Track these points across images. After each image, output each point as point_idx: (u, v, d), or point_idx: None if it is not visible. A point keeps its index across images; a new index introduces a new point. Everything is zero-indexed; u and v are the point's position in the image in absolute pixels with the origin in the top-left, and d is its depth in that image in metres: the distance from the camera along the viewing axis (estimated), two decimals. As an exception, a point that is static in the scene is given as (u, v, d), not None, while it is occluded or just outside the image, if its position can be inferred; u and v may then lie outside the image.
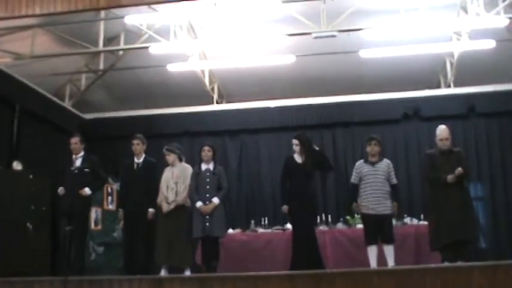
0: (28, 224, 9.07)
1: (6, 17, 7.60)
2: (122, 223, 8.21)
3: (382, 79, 11.35)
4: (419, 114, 11.48)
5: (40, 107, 10.69)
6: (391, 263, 7.40)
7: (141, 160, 8.16)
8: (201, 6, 9.63)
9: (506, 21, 9.21)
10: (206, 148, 8.04)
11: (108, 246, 10.59)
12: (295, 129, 10.17)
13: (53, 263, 9.52)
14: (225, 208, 8.24)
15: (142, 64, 11.12)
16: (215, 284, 5.58)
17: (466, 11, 9.81)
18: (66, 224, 7.38)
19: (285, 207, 7.68)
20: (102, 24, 10.16)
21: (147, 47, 9.87)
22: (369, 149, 7.79)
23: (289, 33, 9.52)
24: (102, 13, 10.06)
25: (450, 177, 7.17)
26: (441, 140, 7.52)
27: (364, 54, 10.37)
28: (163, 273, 7.54)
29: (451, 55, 11.20)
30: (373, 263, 7.47)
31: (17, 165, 9.44)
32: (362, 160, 7.91)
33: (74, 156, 7.89)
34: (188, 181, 7.85)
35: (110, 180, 10.70)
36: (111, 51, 10.87)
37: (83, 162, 7.87)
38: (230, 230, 9.37)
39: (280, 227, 9.82)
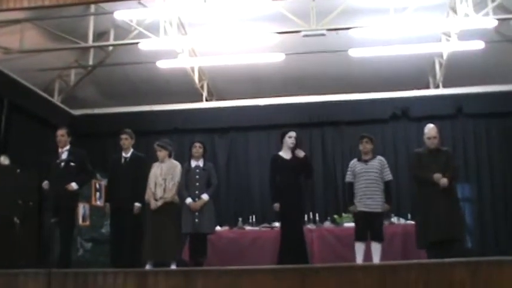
0: (15, 219, 9.02)
1: (-6, 10, 7.58)
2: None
3: (372, 78, 11.38)
4: (408, 114, 11.53)
5: (29, 102, 10.65)
6: (377, 261, 7.43)
7: (128, 155, 8.13)
8: (190, 2, 9.67)
9: (495, 23, 9.28)
10: (198, 145, 8.10)
11: (96, 242, 10.55)
12: (284, 128, 10.16)
13: (39, 258, 9.48)
14: (215, 204, 8.26)
15: (131, 60, 11.13)
16: (199, 277, 5.58)
17: (455, 12, 9.88)
18: (51, 216, 7.32)
19: (276, 205, 7.67)
20: (91, 20, 10.14)
21: (136, 43, 9.87)
22: (361, 147, 7.86)
23: (279, 31, 9.54)
24: (92, 8, 10.07)
25: (442, 182, 7.18)
26: (429, 138, 7.55)
27: (354, 53, 10.39)
28: (148, 267, 7.51)
29: (440, 55, 11.25)
30: (359, 259, 7.52)
31: (4, 160, 9.39)
32: (356, 159, 7.97)
33: (60, 150, 7.80)
34: (177, 178, 7.83)
35: (98, 176, 10.69)
36: (101, 47, 10.86)
37: (69, 155, 7.76)
38: (218, 227, 9.37)
39: (268, 225, 9.84)
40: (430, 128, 7.61)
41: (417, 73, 11.64)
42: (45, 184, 7.68)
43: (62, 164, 7.70)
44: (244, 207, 11.52)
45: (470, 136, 11.35)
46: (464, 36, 10.11)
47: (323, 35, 9.29)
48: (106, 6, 9.64)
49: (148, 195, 7.77)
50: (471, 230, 10.82)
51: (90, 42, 10.18)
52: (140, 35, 10.09)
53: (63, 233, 7.54)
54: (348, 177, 7.89)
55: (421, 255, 7.67)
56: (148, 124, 11.68)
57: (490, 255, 9.56)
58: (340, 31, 9.50)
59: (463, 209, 10.14)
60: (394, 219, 9.70)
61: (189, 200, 7.82)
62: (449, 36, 10.54)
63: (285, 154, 7.86)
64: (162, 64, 10.77)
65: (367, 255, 7.55)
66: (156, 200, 7.68)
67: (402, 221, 9.71)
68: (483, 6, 9.48)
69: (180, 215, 7.90)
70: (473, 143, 11.30)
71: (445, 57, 11.01)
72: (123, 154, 8.15)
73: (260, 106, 11.83)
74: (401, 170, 11.05)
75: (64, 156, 7.75)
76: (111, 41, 10.57)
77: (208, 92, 12.59)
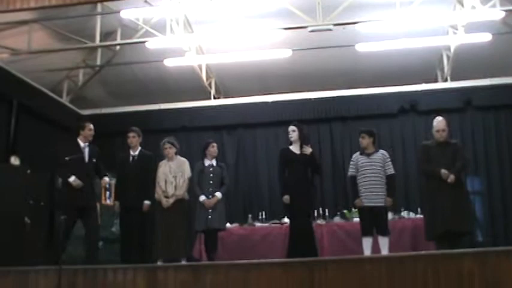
0: (26, 219, 9.06)
1: (0, 10, 7.60)
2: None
3: (379, 73, 11.36)
4: (416, 108, 11.49)
5: (37, 103, 10.71)
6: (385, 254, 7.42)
7: (136, 153, 8.17)
8: (196, 0, 9.67)
9: (502, 14, 9.22)
10: (215, 145, 8.29)
11: (106, 241, 10.57)
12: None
13: (50, 258, 9.52)
14: (225, 202, 8.35)
15: (139, 59, 11.16)
16: (208, 272, 5.61)
17: (462, 4, 9.82)
18: (68, 214, 7.06)
19: (286, 198, 7.67)
20: (98, 19, 10.15)
21: (143, 42, 9.88)
22: (360, 141, 7.86)
23: (285, 27, 9.53)
24: (99, 8, 10.07)
25: (450, 179, 7.18)
26: (438, 131, 7.55)
27: (361, 48, 10.36)
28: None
29: (448, 48, 11.19)
30: (367, 253, 7.50)
31: (14, 160, 9.44)
32: (358, 152, 7.95)
33: (82, 144, 7.71)
34: (186, 175, 7.90)
35: (108, 175, 10.71)
36: (108, 47, 10.89)
37: (90, 151, 7.74)
38: (228, 224, 9.40)
39: (278, 221, 9.85)
40: (438, 121, 7.61)
41: (425, 67, 11.58)
42: (74, 180, 7.43)
43: (87, 160, 7.67)
44: (253, 203, 11.54)
45: (479, 129, 11.29)
46: (471, 28, 10.06)
47: (330, 30, 9.24)
48: (112, 5, 9.64)
49: (158, 194, 7.81)
50: (481, 224, 10.78)
51: (98, 42, 10.17)
52: (147, 34, 10.09)
53: (92, 233, 7.56)
54: (351, 171, 7.85)
55: (430, 249, 7.62)
56: (156, 123, 11.70)
57: (501, 248, 9.57)
58: (346, 26, 9.45)
59: (472, 202, 10.15)
60: (404, 214, 9.70)
61: (202, 198, 7.94)
62: (456, 29, 10.48)
63: (295, 148, 7.87)
64: (170, 62, 10.79)
65: (375, 249, 7.53)
66: (167, 197, 7.71)
67: (412, 215, 9.71)
68: (490, -2, 9.44)
69: (189, 212, 7.94)
70: (482, 136, 11.24)
71: (452, 50, 10.95)
72: (131, 152, 8.19)
73: (268, 103, 11.83)
74: (409, 164, 11.06)
75: (86, 152, 7.70)
76: (118, 41, 10.56)
77: (216, 89, 12.60)
